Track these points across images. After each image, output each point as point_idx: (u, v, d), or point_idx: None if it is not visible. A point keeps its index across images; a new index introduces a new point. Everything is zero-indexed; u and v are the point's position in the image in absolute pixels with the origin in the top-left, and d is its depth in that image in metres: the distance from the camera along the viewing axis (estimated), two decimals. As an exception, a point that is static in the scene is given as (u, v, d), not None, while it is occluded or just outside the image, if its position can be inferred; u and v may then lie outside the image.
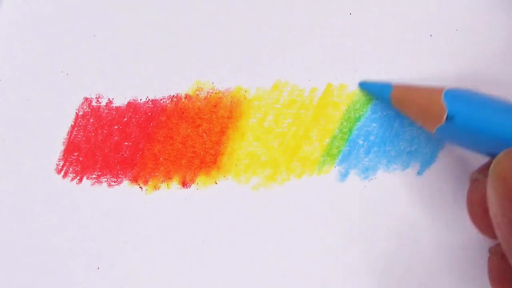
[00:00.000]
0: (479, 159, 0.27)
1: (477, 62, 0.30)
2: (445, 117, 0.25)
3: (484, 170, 0.25)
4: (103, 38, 0.29)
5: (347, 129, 0.29)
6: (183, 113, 0.29)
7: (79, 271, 0.28)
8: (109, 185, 0.29)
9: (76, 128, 0.29)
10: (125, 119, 0.29)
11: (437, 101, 0.26)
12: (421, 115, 0.26)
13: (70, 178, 0.29)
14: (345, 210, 0.29)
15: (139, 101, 0.29)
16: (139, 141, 0.29)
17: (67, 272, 0.28)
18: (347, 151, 0.29)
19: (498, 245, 0.25)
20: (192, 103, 0.29)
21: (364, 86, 0.29)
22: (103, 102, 0.29)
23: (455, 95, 0.26)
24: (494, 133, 0.24)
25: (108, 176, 0.28)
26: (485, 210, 0.24)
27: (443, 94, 0.25)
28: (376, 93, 0.29)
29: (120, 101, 0.29)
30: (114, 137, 0.29)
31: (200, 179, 0.29)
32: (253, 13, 0.29)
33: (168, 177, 0.29)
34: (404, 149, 0.29)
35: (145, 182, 0.29)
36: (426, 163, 0.29)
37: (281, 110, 0.29)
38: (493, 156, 0.24)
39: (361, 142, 0.29)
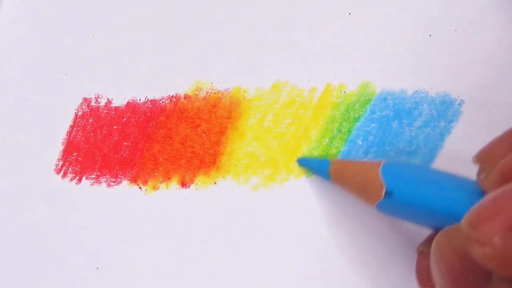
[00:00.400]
0: (425, 230, 0.27)
1: (477, 62, 0.30)
2: (383, 192, 0.25)
3: (428, 242, 0.25)
4: (103, 38, 0.29)
5: (346, 129, 0.29)
6: (182, 113, 0.29)
7: (78, 271, 0.28)
8: (108, 185, 0.29)
9: (75, 128, 0.29)
10: (124, 119, 0.29)
11: (375, 177, 0.25)
12: (360, 191, 0.26)
13: (69, 178, 0.29)
14: (344, 210, 0.29)
15: (138, 101, 0.29)
16: (138, 141, 0.29)
17: (66, 272, 0.28)
18: (346, 151, 0.29)
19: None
20: (191, 103, 0.29)
21: (303, 163, 0.29)
22: (102, 102, 0.29)
23: (393, 170, 0.25)
24: (433, 208, 0.24)
25: (107, 176, 0.29)
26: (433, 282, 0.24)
27: (380, 169, 0.25)
28: (314, 169, 0.29)
29: (119, 101, 0.29)
30: (113, 137, 0.29)
31: (200, 179, 0.29)
32: (252, 13, 0.29)
33: (167, 177, 0.29)
34: (403, 149, 0.29)
35: (145, 182, 0.29)
36: (425, 164, 0.29)
37: (281, 110, 0.29)
38: (436, 229, 0.24)
39: (360, 142, 0.29)
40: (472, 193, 0.23)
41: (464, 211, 0.19)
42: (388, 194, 0.24)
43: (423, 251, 0.25)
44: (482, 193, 0.23)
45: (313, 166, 0.29)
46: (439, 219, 0.23)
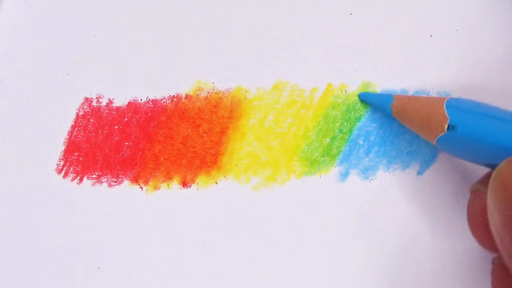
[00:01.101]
0: (479, 169, 0.27)
1: (477, 62, 0.30)
2: (446, 126, 0.25)
3: (485, 181, 0.25)
4: (103, 38, 0.29)
5: (347, 129, 0.29)
6: (184, 113, 0.29)
7: (79, 271, 0.28)
8: (110, 185, 0.29)
9: (76, 128, 0.29)
10: (126, 119, 0.29)
11: (439, 111, 0.25)
12: (422, 125, 0.26)
13: (70, 178, 0.28)
14: (345, 210, 0.29)
15: (139, 101, 0.29)
16: (139, 141, 0.29)
17: (67, 272, 0.28)
18: (347, 151, 0.29)
19: (500, 257, 0.24)
20: (192, 103, 0.29)
21: (365, 97, 0.29)
22: (104, 102, 0.29)
23: (457, 105, 0.25)
24: (495, 142, 0.24)
25: (108, 176, 0.28)
26: (486, 222, 0.23)
27: (445, 103, 0.25)
28: (377, 104, 0.29)
29: (120, 101, 0.29)
30: (115, 137, 0.29)
31: (201, 179, 0.29)
32: (253, 13, 0.29)
33: (168, 177, 0.29)
34: (404, 149, 0.29)
35: (146, 182, 0.29)
36: (426, 163, 0.29)
37: (282, 110, 0.29)
38: (493, 167, 0.24)
39: (361, 142, 0.29)
40: None
41: None
42: (451, 127, 0.25)
43: (478, 189, 0.25)
44: None
45: (376, 101, 0.29)
46: (501, 155, 0.23)
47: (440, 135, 0.25)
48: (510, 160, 0.21)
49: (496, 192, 0.21)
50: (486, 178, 0.25)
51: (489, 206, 0.21)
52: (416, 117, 0.26)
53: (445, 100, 0.26)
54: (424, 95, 0.28)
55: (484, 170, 0.26)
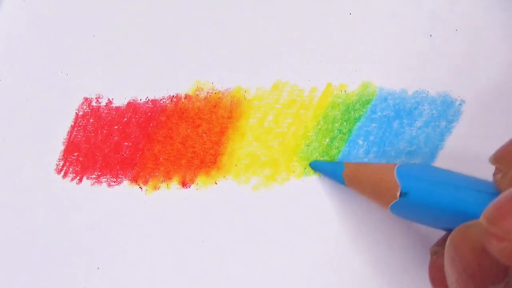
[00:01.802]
0: (438, 232, 0.27)
1: (477, 62, 0.30)
2: (398, 193, 0.25)
3: (442, 243, 0.26)
4: (103, 38, 0.29)
5: (346, 129, 0.29)
6: (183, 113, 0.29)
7: (79, 271, 0.28)
8: (109, 185, 0.29)
9: (76, 128, 0.29)
10: (125, 119, 0.29)
11: (390, 178, 0.25)
12: (374, 193, 0.26)
13: (70, 178, 0.29)
14: (345, 210, 0.29)
15: (139, 101, 0.29)
16: (139, 141, 0.29)
17: (67, 272, 0.28)
18: (347, 151, 0.29)
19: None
20: (192, 103, 0.29)
21: (315, 167, 0.29)
22: (103, 102, 0.29)
23: (408, 172, 0.25)
24: (449, 208, 0.24)
25: (108, 176, 0.28)
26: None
27: (395, 170, 0.25)
28: (328, 172, 0.29)
29: (120, 101, 0.29)
30: (114, 137, 0.29)
31: (200, 179, 0.29)
32: (253, 13, 0.29)
33: (168, 177, 0.29)
34: (403, 149, 0.29)
35: (145, 182, 0.29)
36: (426, 163, 0.29)
37: (281, 110, 0.29)
38: (450, 230, 0.24)
39: (360, 142, 0.29)
40: (488, 194, 0.24)
41: (480, 211, 0.20)
42: (403, 194, 0.25)
43: (437, 251, 0.26)
44: (498, 193, 0.23)
45: (327, 169, 0.29)
46: (454, 220, 0.24)
47: (393, 202, 0.25)
48: (462, 227, 0.22)
49: (450, 260, 0.21)
50: (443, 241, 0.25)
51: (445, 270, 0.22)
52: (368, 184, 0.26)
53: (395, 167, 0.25)
54: (375, 163, 0.28)
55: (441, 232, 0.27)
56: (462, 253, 0.21)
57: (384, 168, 0.26)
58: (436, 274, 0.25)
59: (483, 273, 0.20)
